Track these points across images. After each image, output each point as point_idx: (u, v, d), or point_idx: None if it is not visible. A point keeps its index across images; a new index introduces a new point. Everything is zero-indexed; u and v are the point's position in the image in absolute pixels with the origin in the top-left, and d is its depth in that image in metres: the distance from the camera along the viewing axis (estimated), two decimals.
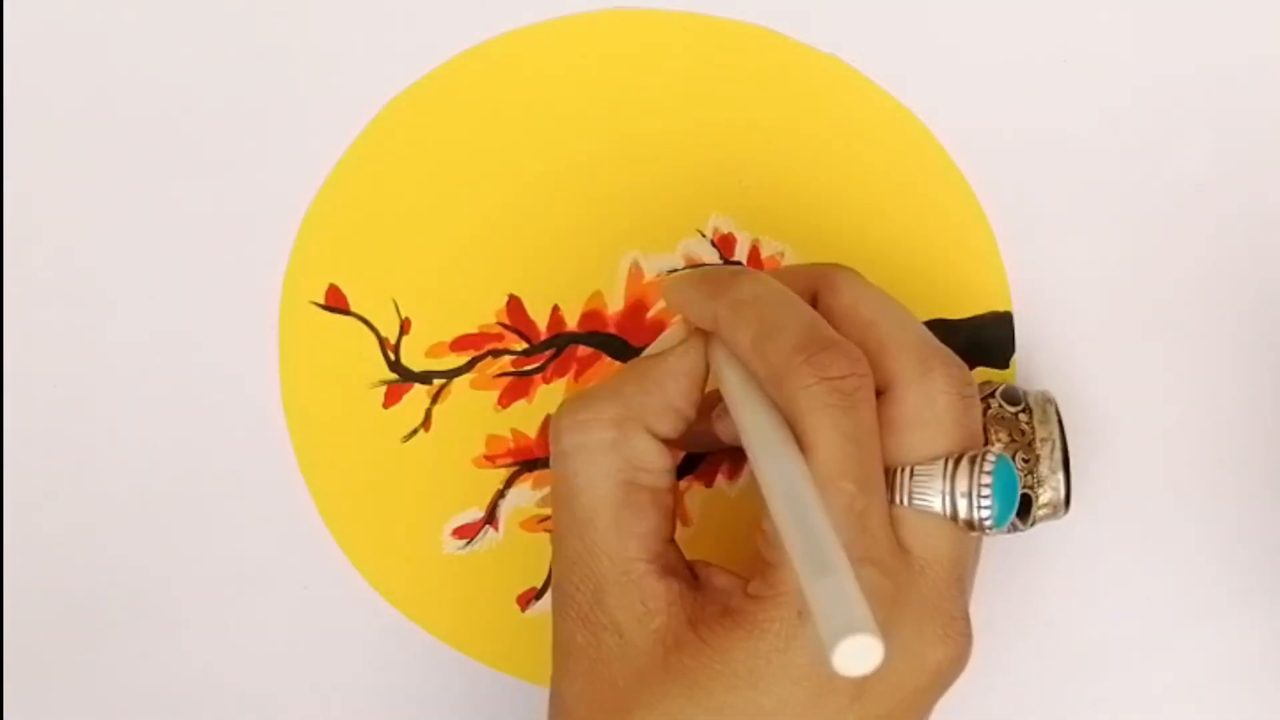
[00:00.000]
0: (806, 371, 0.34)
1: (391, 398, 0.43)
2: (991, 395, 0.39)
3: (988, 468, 0.35)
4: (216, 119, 0.42)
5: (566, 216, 0.43)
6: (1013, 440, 0.39)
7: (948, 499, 0.35)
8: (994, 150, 0.43)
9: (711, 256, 0.43)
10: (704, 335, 0.37)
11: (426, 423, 0.43)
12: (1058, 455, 0.39)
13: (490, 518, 0.43)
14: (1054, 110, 0.43)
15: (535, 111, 0.43)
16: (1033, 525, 0.39)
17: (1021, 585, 0.43)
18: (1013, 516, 0.36)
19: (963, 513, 0.35)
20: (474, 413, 0.43)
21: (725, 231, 0.43)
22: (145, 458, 0.43)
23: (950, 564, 0.35)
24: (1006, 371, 0.43)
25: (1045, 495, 0.39)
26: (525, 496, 0.43)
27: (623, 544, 0.35)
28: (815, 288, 0.37)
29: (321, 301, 0.43)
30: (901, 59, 0.43)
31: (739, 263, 0.43)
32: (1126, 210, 0.43)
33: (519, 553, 0.43)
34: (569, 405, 0.36)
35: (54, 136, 0.42)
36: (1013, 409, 0.39)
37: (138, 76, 0.42)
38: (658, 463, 0.36)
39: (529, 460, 0.43)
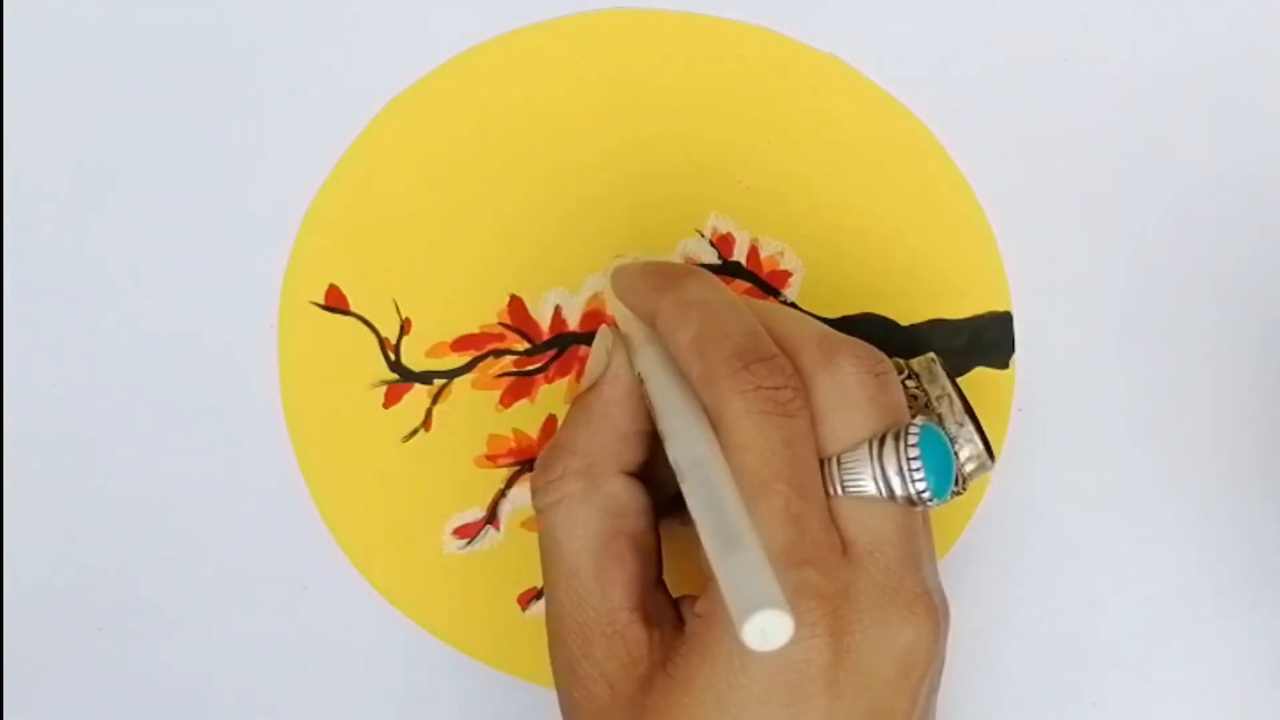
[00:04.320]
0: (745, 376, 0.34)
1: (392, 398, 0.43)
2: None
3: (912, 439, 0.34)
4: (216, 119, 0.42)
5: (567, 216, 0.43)
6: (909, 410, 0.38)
7: (880, 480, 0.34)
8: (994, 150, 0.43)
9: (710, 256, 0.43)
10: (625, 348, 0.37)
11: (427, 422, 0.43)
12: (959, 407, 0.38)
13: (491, 517, 0.43)
14: (1054, 110, 0.43)
15: (535, 111, 0.43)
16: (966, 486, 0.38)
17: (1022, 585, 0.43)
18: (953, 483, 0.35)
19: (898, 490, 0.34)
20: (475, 412, 0.43)
21: (724, 231, 0.43)
22: (145, 458, 0.43)
23: (898, 543, 0.34)
24: (1006, 371, 0.43)
25: (965, 450, 0.38)
26: (527, 496, 0.42)
27: (606, 595, 0.36)
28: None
29: (321, 301, 0.43)
30: (901, 59, 0.43)
31: (737, 263, 0.43)
32: (1126, 210, 0.43)
33: (520, 552, 0.43)
34: (540, 465, 0.37)
35: (54, 136, 0.42)
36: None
37: (137, 77, 0.42)
38: (634, 504, 0.37)
39: (531, 460, 0.43)
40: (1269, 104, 0.43)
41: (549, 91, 0.43)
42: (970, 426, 0.38)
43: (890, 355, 0.38)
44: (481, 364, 0.43)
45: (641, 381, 0.37)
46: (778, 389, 0.34)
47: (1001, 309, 0.43)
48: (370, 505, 0.43)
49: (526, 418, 0.43)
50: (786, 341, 0.35)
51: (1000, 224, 0.43)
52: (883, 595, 0.34)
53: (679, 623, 0.36)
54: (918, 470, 0.34)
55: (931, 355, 0.39)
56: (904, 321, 0.43)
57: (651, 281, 0.37)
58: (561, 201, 0.43)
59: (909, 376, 0.39)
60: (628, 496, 0.37)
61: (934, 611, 0.34)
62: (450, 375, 0.43)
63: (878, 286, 0.43)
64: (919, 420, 0.35)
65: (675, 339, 0.36)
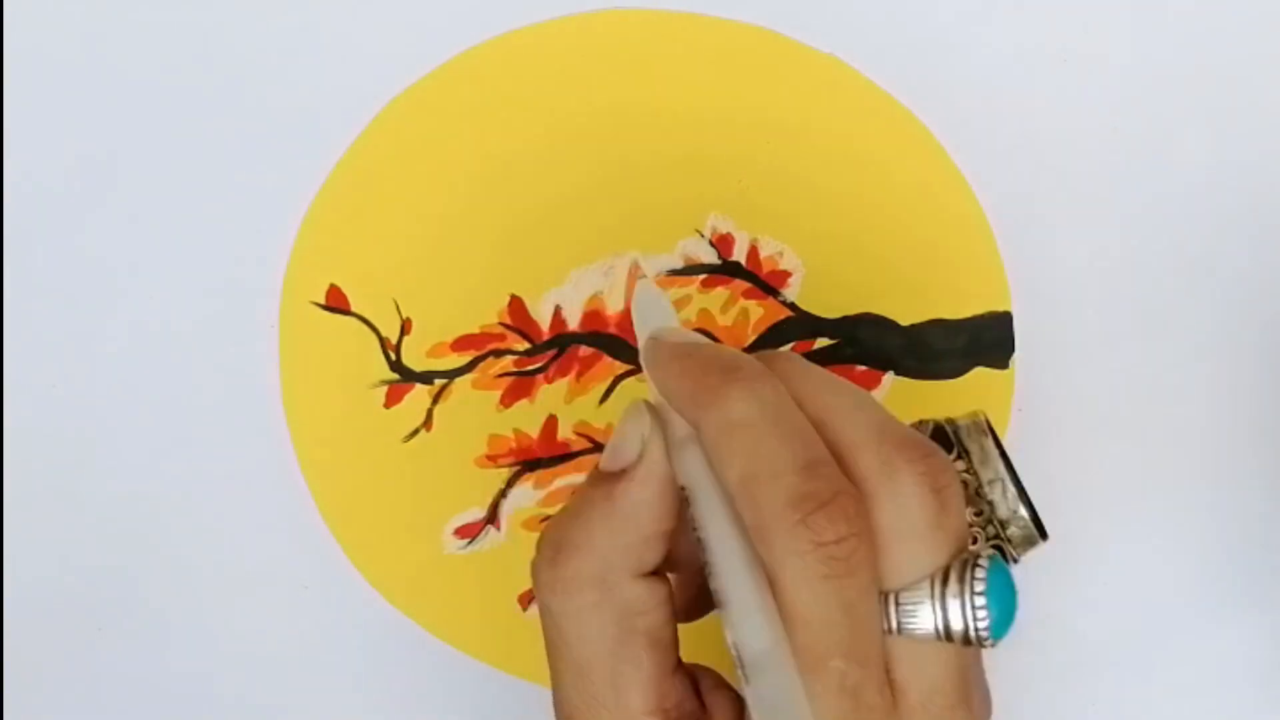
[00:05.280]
0: (801, 534, 0.31)
1: (392, 398, 0.43)
2: None
3: (979, 578, 0.32)
4: (217, 119, 0.42)
5: (567, 216, 0.43)
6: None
7: (940, 621, 0.32)
8: (994, 150, 0.43)
9: (710, 256, 0.43)
10: (661, 433, 0.34)
11: (428, 422, 0.43)
12: (1012, 493, 0.36)
13: (492, 517, 0.43)
14: (1054, 110, 0.43)
15: (535, 111, 0.43)
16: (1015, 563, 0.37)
17: (1022, 585, 0.43)
18: (1014, 622, 0.33)
19: (956, 629, 0.32)
20: (476, 412, 0.43)
21: (724, 231, 0.43)
22: (145, 458, 0.43)
23: (950, 691, 0.33)
24: (1006, 371, 0.43)
25: (1016, 534, 0.36)
26: (527, 496, 0.43)
27: (622, 700, 0.33)
28: None
29: (321, 301, 0.43)
30: (901, 59, 0.43)
31: (737, 263, 0.43)
32: (1126, 210, 0.43)
33: (520, 552, 0.43)
34: (546, 557, 0.33)
35: (54, 136, 0.42)
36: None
37: (138, 77, 0.42)
38: (651, 601, 0.33)
39: (531, 460, 0.43)
40: (1269, 104, 0.43)
41: (549, 91, 0.43)
42: (1022, 508, 0.36)
43: (915, 394, 0.37)
44: (482, 364, 0.43)
45: (682, 488, 0.33)
46: (839, 542, 0.31)
47: (1001, 309, 0.43)
48: (370, 505, 0.43)
49: (527, 418, 0.43)
50: (841, 445, 0.32)
51: (1000, 224, 0.43)
52: None
53: (701, 710, 0.34)
54: (981, 611, 0.32)
55: (979, 420, 0.37)
56: (904, 321, 0.43)
57: (690, 385, 0.33)
58: (561, 201, 0.43)
59: (958, 456, 0.36)
60: (647, 595, 0.33)
61: None
62: (451, 375, 0.43)
63: (878, 286, 0.43)
64: (985, 555, 0.32)
65: (721, 472, 0.32)
